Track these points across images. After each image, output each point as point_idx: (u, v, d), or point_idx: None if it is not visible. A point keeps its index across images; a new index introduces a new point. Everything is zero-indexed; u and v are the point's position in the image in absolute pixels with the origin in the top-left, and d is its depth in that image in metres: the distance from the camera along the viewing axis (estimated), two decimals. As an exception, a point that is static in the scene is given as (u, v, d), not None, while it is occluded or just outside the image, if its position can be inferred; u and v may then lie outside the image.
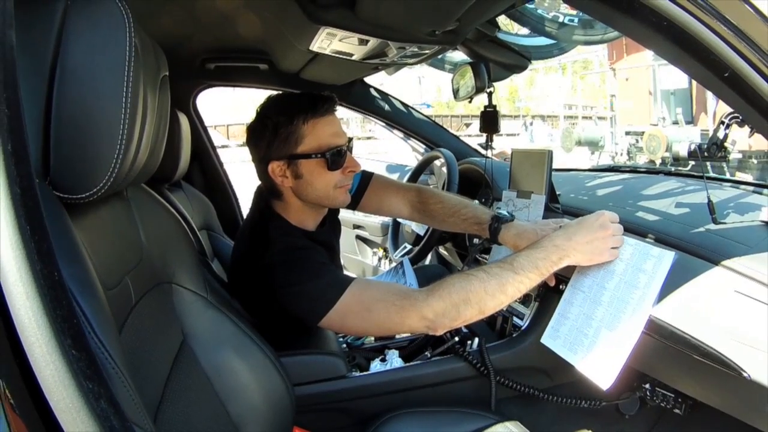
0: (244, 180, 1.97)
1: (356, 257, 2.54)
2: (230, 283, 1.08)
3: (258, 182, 1.11)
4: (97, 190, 0.55)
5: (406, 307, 0.86)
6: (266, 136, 0.99)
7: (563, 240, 0.86)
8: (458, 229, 1.23)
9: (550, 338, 0.92)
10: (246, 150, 1.06)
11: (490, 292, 0.84)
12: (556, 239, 0.86)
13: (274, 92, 1.25)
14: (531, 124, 16.15)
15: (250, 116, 1.07)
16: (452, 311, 0.85)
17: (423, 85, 20.40)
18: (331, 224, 1.18)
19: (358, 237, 2.52)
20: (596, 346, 0.84)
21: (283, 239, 0.99)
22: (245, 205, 1.67)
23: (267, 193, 1.07)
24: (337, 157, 0.99)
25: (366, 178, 1.26)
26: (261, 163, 1.01)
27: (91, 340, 0.41)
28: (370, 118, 2.02)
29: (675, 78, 7.46)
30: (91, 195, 0.55)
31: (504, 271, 0.85)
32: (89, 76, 0.53)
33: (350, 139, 1.04)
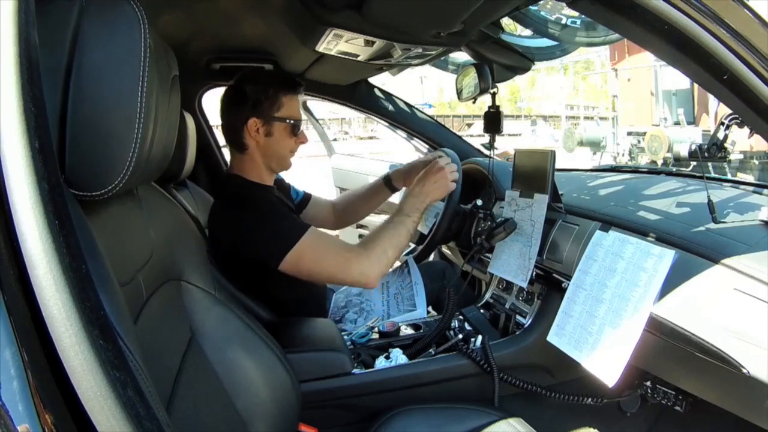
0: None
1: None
2: (219, 267, 1.08)
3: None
4: (112, 188, 0.55)
5: (351, 260, 1.10)
6: (254, 98, 1.19)
7: (421, 187, 1.22)
8: (372, 207, 1.59)
9: (555, 336, 0.94)
10: None
11: (401, 235, 1.16)
12: (417, 188, 1.22)
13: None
14: (535, 123, 16.15)
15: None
16: (382, 258, 1.12)
17: (425, 85, 20.41)
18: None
19: (361, 237, 2.53)
20: (600, 343, 0.86)
21: (245, 191, 1.20)
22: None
23: (232, 147, 1.26)
24: (297, 128, 1.25)
25: (307, 197, 1.57)
26: (240, 119, 1.20)
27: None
28: (373, 118, 2.03)
29: (676, 78, 7.42)
30: (105, 193, 0.55)
31: (403, 217, 1.18)
32: (105, 76, 0.54)
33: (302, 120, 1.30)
